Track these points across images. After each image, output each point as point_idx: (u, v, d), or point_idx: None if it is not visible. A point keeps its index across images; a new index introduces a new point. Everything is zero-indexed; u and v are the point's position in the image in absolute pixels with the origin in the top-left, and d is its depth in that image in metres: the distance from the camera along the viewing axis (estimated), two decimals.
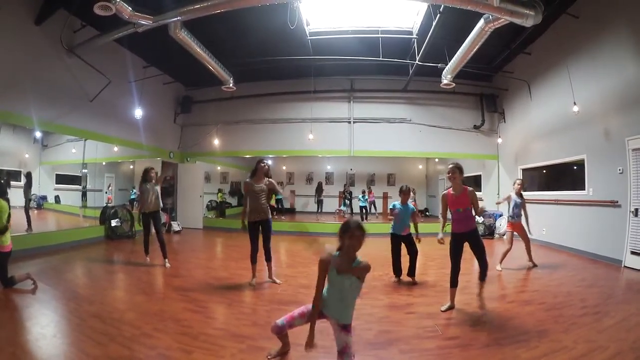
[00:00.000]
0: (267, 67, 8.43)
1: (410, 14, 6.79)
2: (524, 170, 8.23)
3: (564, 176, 7.02)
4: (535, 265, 5.15)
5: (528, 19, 4.65)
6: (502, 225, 8.32)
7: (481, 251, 3.25)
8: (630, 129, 5.05)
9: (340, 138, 9.45)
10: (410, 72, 7.86)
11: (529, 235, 5.25)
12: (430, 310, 3.30)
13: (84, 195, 7.81)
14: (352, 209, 12.68)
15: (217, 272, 4.91)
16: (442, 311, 3.24)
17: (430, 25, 5.95)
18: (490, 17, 4.92)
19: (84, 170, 7.66)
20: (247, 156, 10.22)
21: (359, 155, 9.63)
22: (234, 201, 13.99)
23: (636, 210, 4.89)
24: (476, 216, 3.37)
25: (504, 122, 9.06)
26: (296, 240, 7.89)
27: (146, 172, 5.18)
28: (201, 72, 7.61)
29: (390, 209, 4.38)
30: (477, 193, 3.39)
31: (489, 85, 9.21)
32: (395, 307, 3.44)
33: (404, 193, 4.33)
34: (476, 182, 10.17)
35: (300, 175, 15.18)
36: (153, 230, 5.16)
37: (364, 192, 11.95)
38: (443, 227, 3.54)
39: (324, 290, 2.12)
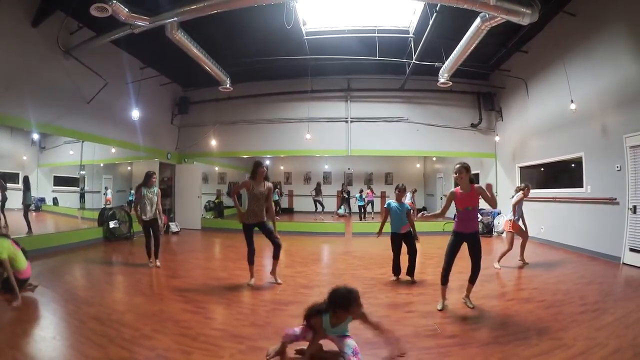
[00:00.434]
0: (264, 67, 8.43)
1: (407, 13, 6.80)
2: (521, 168, 8.24)
3: (561, 174, 7.03)
4: (526, 264, 5.18)
5: (525, 17, 4.66)
6: (500, 223, 8.34)
7: (478, 255, 3.26)
8: (627, 127, 5.06)
9: (337, 137, 9.45)
10: (407, 71, 7.88)
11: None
12: (429, 308, 3.30)
13: (82, 197, 7.80)
14: (350, 209, 12.71)
15: (216, 272, 4.90)
16: (438, 310, 3.25)
17: (427, 24, 5.98)
18: (487, 15, 4.94)
19: (81, 172, 7.63)
20: (245, 156, 10.20)
21: (356, 154, 9.65)
22: (232, 202, 13.90)
23: (634, 207, 4.91)
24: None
25: (502, 120, 9.07)
26: (296, 240, 7.88)
27: (148, 178, 4.99)
28: (198, 73, 7.62)
29: (385, 207, 4.46)
30: None
31: (486, 84, 9.22)
32: (394, 306, 3.44)
33: (400, 191, 4.43)
34: (474, 180, 10.12)
35: (297, 175, 15.18)
36: None
37: (361, 191, 11.95)
38: (435, 215, 3.69)
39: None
